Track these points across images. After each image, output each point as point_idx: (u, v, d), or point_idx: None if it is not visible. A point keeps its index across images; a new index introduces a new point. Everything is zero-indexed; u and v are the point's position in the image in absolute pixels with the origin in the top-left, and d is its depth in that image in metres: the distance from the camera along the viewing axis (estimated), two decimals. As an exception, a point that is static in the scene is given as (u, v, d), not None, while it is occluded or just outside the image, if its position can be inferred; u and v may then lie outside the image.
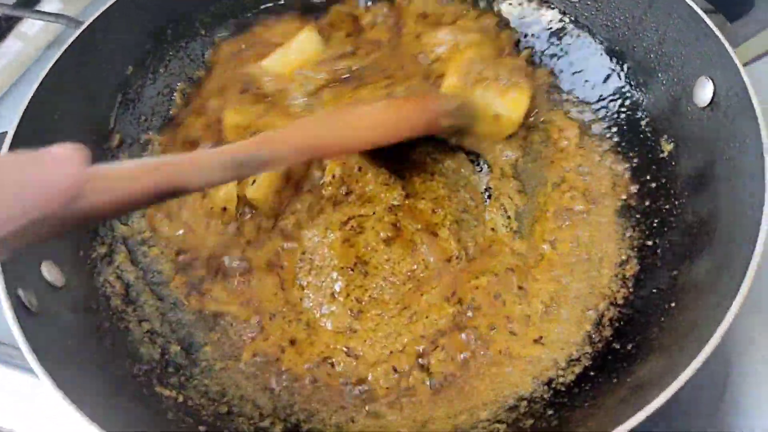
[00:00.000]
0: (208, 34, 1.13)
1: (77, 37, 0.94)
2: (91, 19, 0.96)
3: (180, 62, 1.11)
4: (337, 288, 0.92)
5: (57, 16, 1.25)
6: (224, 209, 0.95)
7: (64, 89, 0.93)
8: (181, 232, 0.97)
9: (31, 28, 1.33)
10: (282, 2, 1.16)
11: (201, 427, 0.78)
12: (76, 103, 0.96)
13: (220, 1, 1.12)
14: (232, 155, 0.66)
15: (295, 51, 1.05)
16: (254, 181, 0.94)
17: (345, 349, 0.89)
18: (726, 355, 0.89)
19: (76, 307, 0.83)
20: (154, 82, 1.09)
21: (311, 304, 0.93)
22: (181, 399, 0.82)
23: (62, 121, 0.93)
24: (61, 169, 0.45)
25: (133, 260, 0.96)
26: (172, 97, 1.10)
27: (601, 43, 1.07)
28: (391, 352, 0.88)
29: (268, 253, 0.95)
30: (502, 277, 0.91)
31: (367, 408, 0.85)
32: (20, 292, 0.73)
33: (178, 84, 1.10)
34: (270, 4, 1.16)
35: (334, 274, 0.93)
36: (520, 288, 0.90)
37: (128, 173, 0.56)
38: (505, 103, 0.98)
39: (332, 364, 0.88)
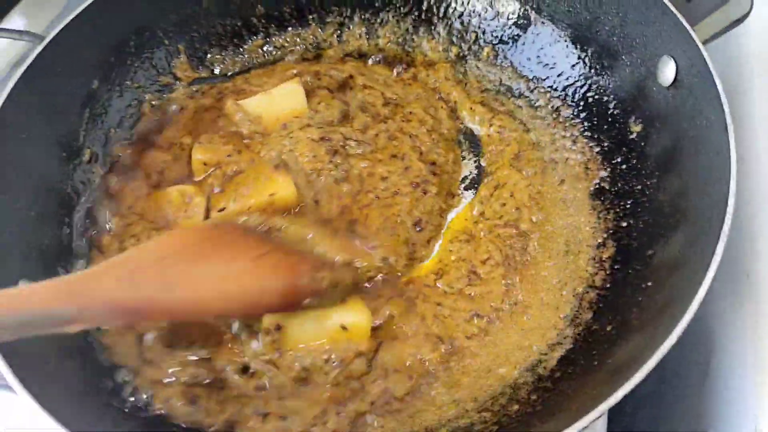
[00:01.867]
0: (172, 43, 1.12)
1: (39, 54, 0.93)
2: (52, 35, 0.95)
3: (146, 73, 1.10)
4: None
5: (21, 33, 1.22)
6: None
7: (29, 107, 0.92)
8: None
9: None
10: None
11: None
12: (44, 121, 0.95)
13: (180, 11, 1.11)
14: (22, 309, 0.53)
15: (278, 98, 1.05)
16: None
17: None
18: (708, 331, 0.90)
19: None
20: (121, 94, 1.08)
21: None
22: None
23: (30, 139, 0.92)
24: None
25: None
26: (141, 109, 1.09)
27: (565, 30, 1.08)
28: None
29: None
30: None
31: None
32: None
33: (146, 95, 1.10)
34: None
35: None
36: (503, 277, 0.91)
37: None
38: (346, 311, 0.84)
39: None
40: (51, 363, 0.76)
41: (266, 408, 0.80)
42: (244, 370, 0.83)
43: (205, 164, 1.00)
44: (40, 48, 0.94)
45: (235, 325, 0.84)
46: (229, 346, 0.84)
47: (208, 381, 0.82)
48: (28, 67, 0.92)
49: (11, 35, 1.22)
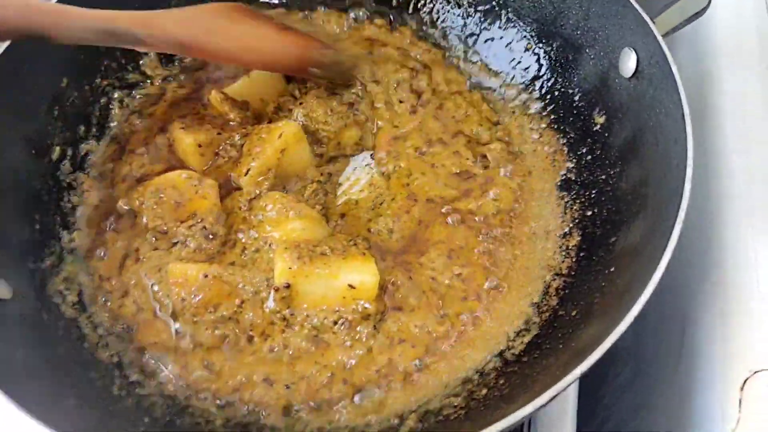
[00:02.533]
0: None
1: (5, 51, 0.93)
2: (18, 32, 0.94)
3: (114, 71, 1.10)
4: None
5: None
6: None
7: (-1, 104, 0.92)
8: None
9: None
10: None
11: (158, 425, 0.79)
12: (12, 119, 0.95)
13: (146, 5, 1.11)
14: (106, 24, 0.74)
15: (259, 80, 1.06)
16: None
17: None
18: (680, 320, 0.93)
19: (25, 319, 0.82)
20: (91, 92, 1.07)
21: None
22: (137, 400, 0.82)
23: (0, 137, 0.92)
24: None
25: (81, 269, 0.95)
26: (110, 107, 1.09)
27: (530, 24, 1.10)
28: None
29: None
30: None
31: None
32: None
33: (116, 93, 1.10)
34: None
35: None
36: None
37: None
38: (353, 270, 0.86)
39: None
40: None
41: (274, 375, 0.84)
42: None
43: (199, 146, 1.01)
44: (5, 44, 0.94)
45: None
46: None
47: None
48: (-6, 66, 0.92)
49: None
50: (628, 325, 0.66)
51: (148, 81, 1.13)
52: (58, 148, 1.01)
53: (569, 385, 0.64)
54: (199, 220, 0.94)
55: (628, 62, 0.93)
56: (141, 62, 1.12)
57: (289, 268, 0.84)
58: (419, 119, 1.08)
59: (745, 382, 0.79)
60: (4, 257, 0.87)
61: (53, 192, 0.99)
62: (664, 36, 0.88)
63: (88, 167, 1.04)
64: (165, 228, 0.95)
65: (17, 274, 0.87)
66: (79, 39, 0.72)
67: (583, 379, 0.67)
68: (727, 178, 0.93)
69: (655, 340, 1.00)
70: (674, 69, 0.84)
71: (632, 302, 0.69)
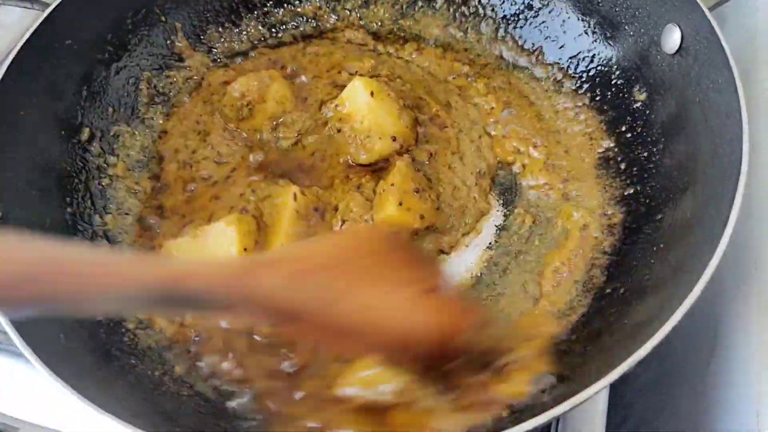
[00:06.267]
0: (169, 21, 1.11)
1: (36, 29, 0.91)
2: (50, 9, 0.93)
3: (143, 51, 1.08)
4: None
5: (32, 1, 1.22)
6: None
7: (29, 82, 0.90)
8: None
9: (8, 15, 1.27)
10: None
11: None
12: (42, 97, 0.93)
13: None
14: (174, 284, 0.46)
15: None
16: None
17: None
18: (713, 320, 0.90)
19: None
20: (119, 72, 1.05)
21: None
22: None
23: (29, 116, 0.90)
24: None
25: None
26: (139, 88, 1.07)
27: (566, 2, 1.08)
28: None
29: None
30: None
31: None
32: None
33: (144, 74, 1.08)
34: None
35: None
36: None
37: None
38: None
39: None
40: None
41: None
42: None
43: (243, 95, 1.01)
44: (37, 23, 0.92)
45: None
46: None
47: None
48: (26, 41, 0.90)
49: (22, 4, 1.21)
50: (691, 305, 0.64)
51: (177, 62, 1.11)
52: (87, 130, 1.00)
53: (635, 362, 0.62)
54: None
55: (672, 38, 0.91)
56: (169, 42, 1.10)
57: None
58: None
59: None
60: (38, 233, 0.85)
61: (83, 174, 0.98)
62: (710, 10, 0.86)
63: (118, 149, 1.02)
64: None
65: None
66: (123, 308, 0.52)
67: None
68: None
69: (683, 337, 0.98)
70: (724, 43, 0.82)
71: (692, 279, 0.67)
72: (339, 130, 0.98)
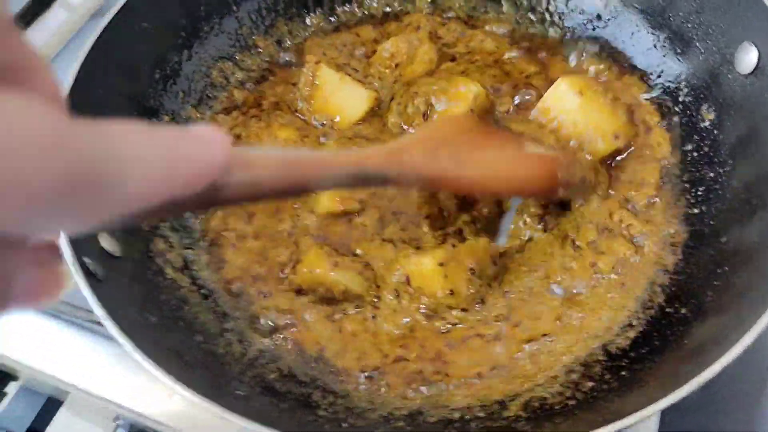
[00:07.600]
0: (241, 11, 1.13)
1: (117, 13, 0.94)
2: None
3: (215, 39, 1.10)
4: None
5: None
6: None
7: (107, 64, 0.92)
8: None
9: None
10: None
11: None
12: (118, 79, 0.96)
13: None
14: (361, 167, 0.62)
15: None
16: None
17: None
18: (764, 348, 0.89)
19: (135, 276, 0.83)
20: (190, 58, 1.08)
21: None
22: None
23: (107, 97, 0.93)
24: (212, 149, 0.39)
25: (174, 227, 0.95)
26: (210, 75, 1.09)
27: (637, 14, 1.07)
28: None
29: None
30: None
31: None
32: (86, 261, 0.73)
33: (216, 62, 1.10)
34: None
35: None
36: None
37: (271, 163, 0.49)
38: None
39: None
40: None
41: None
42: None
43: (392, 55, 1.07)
44: (117, 6, 0.95)
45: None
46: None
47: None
48: (107, 25, 0.92)
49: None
50: (759, 332, 0.64)
51: (245, 53, 1.13)
52: (162, 113, 1.02)
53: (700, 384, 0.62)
54: None
55: (747, 58, 0.90)
56: (240, 32, 1.13)
57: None
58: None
59: None
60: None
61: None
62: (790, 31, 0.85)
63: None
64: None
65: (122, 234, 0.87)
66: (332, 187, 0.62)
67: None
68: None
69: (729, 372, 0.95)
70: (806, 67, 0.81)
71: (759, 306, 0.67)
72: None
